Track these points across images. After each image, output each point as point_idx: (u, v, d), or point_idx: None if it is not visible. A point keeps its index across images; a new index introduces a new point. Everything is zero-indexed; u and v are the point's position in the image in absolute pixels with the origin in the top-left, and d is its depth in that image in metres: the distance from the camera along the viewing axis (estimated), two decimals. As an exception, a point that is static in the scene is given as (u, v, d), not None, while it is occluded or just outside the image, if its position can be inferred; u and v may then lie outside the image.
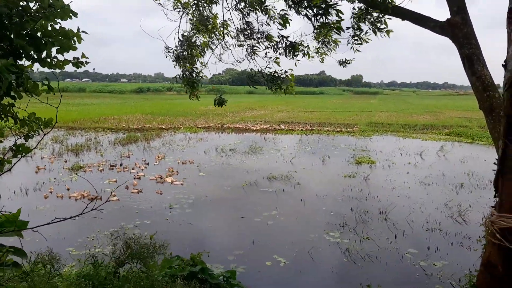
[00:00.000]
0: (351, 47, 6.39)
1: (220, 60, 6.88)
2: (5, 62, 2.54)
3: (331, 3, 5.44)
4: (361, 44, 6.14)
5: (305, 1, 5.46)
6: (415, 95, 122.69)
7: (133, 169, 14.18)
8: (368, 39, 6.17)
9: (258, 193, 11.44)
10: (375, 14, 5.85)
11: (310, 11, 5.58)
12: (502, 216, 3.02)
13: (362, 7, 5.92)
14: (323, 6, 5.43)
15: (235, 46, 6.79)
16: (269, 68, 6.40)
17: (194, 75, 7.01)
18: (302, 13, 5.63)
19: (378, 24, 5.90)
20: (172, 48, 6.97)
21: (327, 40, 6.08)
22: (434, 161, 16.44)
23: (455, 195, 11.40)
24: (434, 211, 9.98)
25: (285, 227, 8.80)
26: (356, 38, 6.26)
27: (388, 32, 5.89)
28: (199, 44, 7.12)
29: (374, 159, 16.51)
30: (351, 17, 6.20)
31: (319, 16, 5.62)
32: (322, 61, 6.61)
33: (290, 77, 6.24)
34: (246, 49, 6.70)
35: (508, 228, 2.98)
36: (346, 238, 8.13)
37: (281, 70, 6.40)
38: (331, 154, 17.74)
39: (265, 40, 6.50)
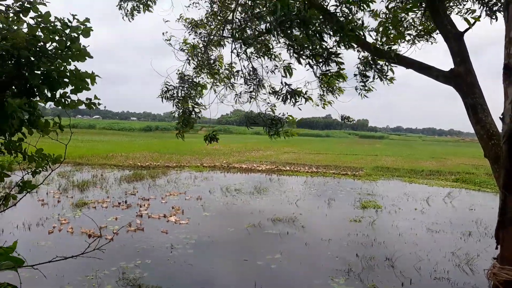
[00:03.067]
0: (359, 93, 6.51)
1: (222, 102, 7.02)
2: (19, 102, 2.62)
3: (332, 51, 5.60)
4: (368, 91, 6.25)
5: (307, 51, 5.63)
6: (421, 140, 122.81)
7: (140, 206, 14.09)
8: (373, 87, 6.29)
9: (262, 235, 11.25)
10: (380, 63, 6.00)
11: (313, 60, 5.74)
12: (504, 269, 2.93)
13: (368, 56, 6.08)
14: (324, 55, 5.59)
15: (231, 87, 6.94)
16: (269, 112, 6.51)
17: (193, 115, 7.12)
18: (304, 61, 5.79)
19: (384, 72, 6.03)
20: (170, 85, 7.12)
21: (331, 88, 6.22)
22: (441, 207, 16.18)
23: (463, 243, 11.11)
24: (441, 259, 9.70)
25: (288, 272, 8.57)
26: (362, 85, 6.39)
27: (391, 79, 6.01)
28: (200, 83, 7.29)
29: (380, 203, 16.30)
30: (358, 65, 6.36)
31: (321, 65, 5.77)
32: (324, 107, 6.72)
33: (290, 120, 6.33)
34: (245, 93, 6.86)
35: (510, 281, 2.89)
36: (351, 285, 7.88)
37: (281, 114, 6.52)
38: (337, 197, 17.56)
39: (266, 88, 6.67)
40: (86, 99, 3.16)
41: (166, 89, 7.12)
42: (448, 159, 40.37)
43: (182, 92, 7.06)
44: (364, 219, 13.56)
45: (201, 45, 7.20)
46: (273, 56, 6.35)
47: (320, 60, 5.80)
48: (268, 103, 6.52)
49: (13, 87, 2.94)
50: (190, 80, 7.12)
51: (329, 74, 5.94)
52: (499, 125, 4.15)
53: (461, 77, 4.27)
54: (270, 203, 15.74)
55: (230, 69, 7.22)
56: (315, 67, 5.96)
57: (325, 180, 23.17)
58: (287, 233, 11.51)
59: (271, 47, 6.16)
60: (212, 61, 7.07)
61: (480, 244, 11.08)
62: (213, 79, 7.39)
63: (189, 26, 7.49)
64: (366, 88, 6.23)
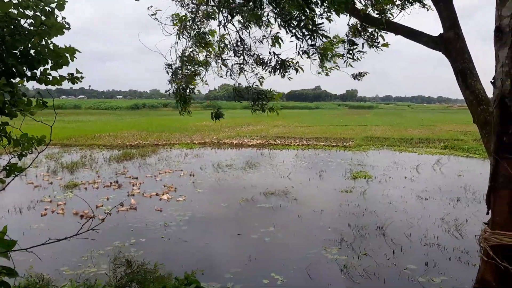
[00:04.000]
0: (345, 61, 6.44)
1: (221, 76, 6.89)
2: None
3: (316, 23, 5.50)
4: (354, 60, 6.18)
5: (294, 21, 5.52)
6: (410, 109, 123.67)
7: (133, 185, 14.08)
8: (361, 56, 6.21)
9: (255, 209, 11.37)
10: (370, 29, 5.92)
11: (300, 32, 5.63)
12: (495, 233, 3.00)
13: (357, 23, 5.99)
14: (310, 27, 5.49)
15: (223, 64, 6.82)
16: (256, 85, 6.42)
17: (188, 91, 7.01)
18: (291, 32, 5.67)
19: (374, 39, 5.95)
20: (172, 64, 6.99)
21: (328, 54, 6.12)
22: (430, 175, 16.47)
23: (452, 209, 11.38)
24: (431, 225, 9.94)
25: (282, 244, 8.72)
26: (350, 53, 6.31)
27: (384, 45, 5.94)
28: (200, 60, 7.14)
29: (370, 173, 16.52)
30: (347, 34, 6.25)
31: (307, 38, 5.67)
32: (327, 74, 6.62)
33: (275, 96, 6.26)
34: (235, 66, 6.74)
35: (501, 245, 2.96)
36: (344, 255, 8.07)
37: (270, 88, 6.43)
38: (328, 169, 17.74)
39: (254, 58, 6.54)
40: (67, 74, 3.07)
41: (169, 70, 6.96)
42: (437, 127, 40.84)
43: (185, 69, 6.92)
44: (355, 189, 13.76)
45: (189, 18, 7.01)
46: (264, 24, 6.20)
47: (307, 33, 5.70)
48: (257, 74, 6.42)
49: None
50: (190, 57, 6.97)
51: (314, 48, 5.85)
52: (488, 91, 4.18)
53: (451, 43, 4.24)
54: (262, 177, 15.85)
55: (220, 42, 7.06)
56: (301, 39, 5.86)
57: (316, 152, 23.33)
58: (280, 206, 11.66)
59: (261, 15, 6.00)
60: (203, 33, 6.89)
61: (469, 210, 11.36)
62: (206, 52, 7.23)
63: None
64: (354, 57, 6.15)
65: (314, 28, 5.61)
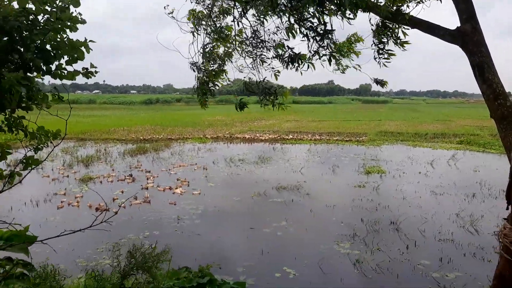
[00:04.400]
0: (378, 62, 6.26)
1: (241, 71, 6.88)
2: (15, 75, 2.57)
3: (328, 30, 5.43)
4: (388, 58, 5.99)
5: (307, 22, 5.46)
6: (425, 103, 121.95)
7: (147, 179, 14.24)
8: (392, 56, 6.04)
9: (267, 204, 11.39)
10: (391, 26, 5.79)
11: (311, 32, 5.58)
12: None
13: (378, 20, 5.87)
14: (321, 31, 5.43)
15: (244, 57, 6.80)
16: (267, 81, 6.39)
17: (211, 85, 7.05)
18: (303, 29, 5.61)
19: (396, 35, 5.81)
20: (197, 63, 7.02)
21: (344, 52, 6.04)
22: (445, 170, 16.25)
23: (467, 205, 11.23)
24: (446, 221, 9.83)
25: (294, 238, 8.73)
26: (381, 52, 6.13)
27: (405, 42, 5.79)
28: (221, 53, 7.15)
29: (384, 168, 16.38)
30: (373, 35, 6.10)
31: (319, 39, 5.62)
32: (343, 71, 6.54)
33: (285, 93, 6.22)
34: (256, 58, 6.71)
35: (521, 241, 2.91)
36: (356, 249, 8.03)
37: (278, 85, 6.39)
38: (341, 163, 17.64)
39: (273, 48, 6.50)
40: (82, 69, 3.10)
41: (194, 68, 7.00)
42: (453, 121, 40.21)
43: (211, 67, 6.96)
44: (368, 184, 13.67)
45: (205, 15, 7.01)
46: (280, 12, 6.13)
47: (314, 35, 5.64)
48: (273, 68, 6.39)
49: (9, 63, 2.89)
50: (213, 54, 6.99)
51: (321, 53, 5.78)
52: (506, 85, 4.09)
53: (468, 36, 4.15)
54: (274, 172, 15.85)
55: (238, 36, 7.04)
56: (311, 39, 5.80)
57: (329, 147, 23.21)
58: (292, 200, 11.65)
59: (276, 4, 5.93)
60: (221, 28, 6.89)
61: (484, 205, 11.19)
62: (225, 47, 7.23)
63: None
64: (386, 56, 5.97)
65: (323, 33, 5.55)
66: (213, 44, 7.01)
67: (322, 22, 5.44)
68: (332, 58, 5.89)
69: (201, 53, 6.94)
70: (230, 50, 7.13)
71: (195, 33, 6.88)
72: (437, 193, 12.52)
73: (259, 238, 8.77)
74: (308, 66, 6.10)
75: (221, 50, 7.19)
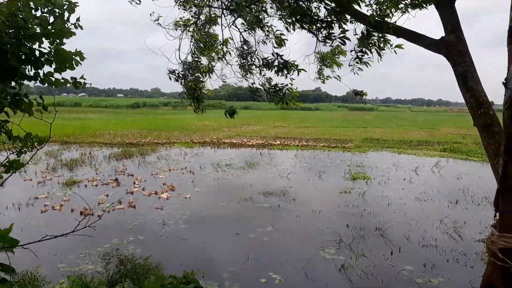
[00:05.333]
0: (352, 69, 6.38)
1: (224, 82, 6.93)
2: (0, 87, 2.53)
3: (335, 19, 5.52)
4: (364, 65, 6.12)
5: (308, 17, 5.52)
6: (410, 111, 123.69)
7: (134, 183, 14.07)
8: (369, 62, 6.16)
9: (254, 209, 11.36)
10: (375, 35, 5.89)
11: (314, 25, 5.64)
12: (502, 236, 2.98)
13: (363, 30, 5.96)
14: (326, 20, 5.50)
15: (236, 65, 6.85)
16: (268, 82, 6.45)
17: (197, 91, 7.08)
18: (305, 27, 5.68)
19: (379, 45, 5.90)
20: (175, 70, 7.03)
21: (329, 62, 6.12)
22: (429, 177, 16.46)
23: (450, 211, 11.37)
24: (430, 227, 9.94)
25: (280, 244, 8.71)
26: (357, 61, 6.25)
27: (398, 46, 5.86)
28: (203, 65, 7.19)
29: (369, 175, 16.51)
30: (356, 44, 6.20)
31: (323, 29, 5.68)
32: (323, 82, 6.63)
33: (292, 91, 6.28)
34: (244, 66, 6.76)
35: (509, 249, 2.94)
36: (341, 255, 8.06)
37: (282, 84, 6.45)
38: (327, 169, 17.73)
39: (260, 60, 6.57)
40: (71, 78, 3.06)
41: (171, 75, 7.02)
42: (437, 129, 40.83)
43: (191, 76, 6.98)
44: (354, 190, 13.75)
45: (191, 22, 7.03)
46: (265, 27, 6.21)
47: (322, 25, 5.71)
48: (264, 75, 6.45)
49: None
50: (194, 63, 7.02)
51: (331, 37, 5.85)
52: (489, 94, 4.16)
53: (452, 46, 4.23)
54: (261, 177, 15.83)
55: (225, 44, 7.09)
56: (316, 32, 5.87)
57: (315, 153, 23.32)
58: (279, 206, 11.64)
59: (262, 18, 6.01)
60: (208, 36, 6.93)
61: (467, 212, 11.35)
62: (210, 56, 7.28)
63: (177, 1, 7.30)
64: (362, 62, 6.09)
65: (332, 20, 5.62)
66: (198, 54, 7.05)
67: (329, 12, 5.53)
68: (344, 39, 5.91)
69: (184, 61, 6.97)
70: (215, 60, 7.17)
71: (180, 41, 6.90)
72: (421, 200, 12.66)
73: (245, 243, 8.73)
74: (298, 73, 6.16)
75: (204, 61, 7.24)
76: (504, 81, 2.93)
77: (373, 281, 6.94)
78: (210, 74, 7.24)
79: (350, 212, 11.09)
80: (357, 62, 6.09)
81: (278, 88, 6.33)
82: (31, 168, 16.59)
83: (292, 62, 6.24)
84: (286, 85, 6.41)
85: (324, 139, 30.02)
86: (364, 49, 5.87)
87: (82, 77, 3.14)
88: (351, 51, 6.10)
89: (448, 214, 11.10)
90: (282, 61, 6.29)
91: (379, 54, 5.82)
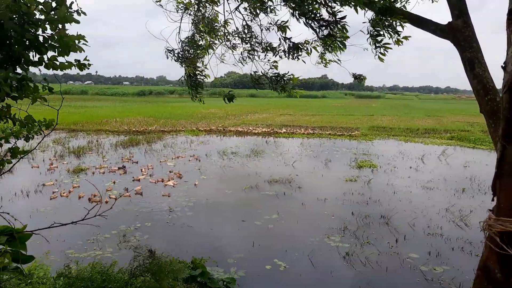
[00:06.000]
0: (375, 55, 6.23)
1: (222, 61, 6.87)
2: (4, 75, 2.54)
3: (338, 18, 5.44)
4: (386, 50, 5.96)
5: (310, 13, 5.46)
6: (417, 99, 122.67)
7: (141, 170, 14.18)
8: (388, 49, 6.01)
9: (259, 197, 11.42)
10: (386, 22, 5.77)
11: (315, 22, 5.57)
12: (499, 220, 2.98)
13: (372, 15, 5.85)
14: (328, 19, 5.42)
15: (233, 48, 6.79)
16: (272, 69, 6.41)
17: (197, 76, 7.01)
18: (305, 22, 5.62)
19: (393, 29, 5.76)
20: (173, 49, 6.98)
21: (332, 45, 6.03)
22: (435, 165, 16.39)
23: (457, 200, 11.35)
24: (435, 215, 9.94)
25: (285, 231, 8.77)
26: (378, 46, 6.09)
27: (405, 38, 5.75)
28: (202, 44, 7.13)
29: (375, 163, 16.48)
30: (368, 27, 6.06)
31: (324, 28, 5.61)
32: (326, 66, 6.57)
33: (294, 79, 6.23)
34: (244, 52, 6.71)
35: (506, 232, 2.94)
36: (346, 243, 8.10)
37: (285, 73, 6.39)
38: (333, 158, 17.72)
39: (264, 45, 6.51)
40: (74, 61, 3.08)
41: (168, 54, 6.98)
42: (444, 117, 40.51)
43: (189, 55, 6.92)
44: (360, 178, 13.75)
45: (193, 3, 6.97)
46: (268, 10, 6.14)
47: (323, 24, 5.64)
48: (269, 60, 6.40)
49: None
50: (191, 41, 6.95)
51: (332, 37, 5.77)
52: (496, 80, 4.12)
53: (459, 31, 4.17)
54: (266, 165, 15.87)
55: (225, 26, 7.03)
56: (317, 29, 5.80)
57: (321, 141, 23.28)
58: (284, 193, 11.69)
59: (266, 1, 5.94)
60: (208, 18, 6.86)
61: (474, 200, 11.33)
62: (211, 38, 7.21)
63: None
64: (382, 48, 5.94)
65: (334, 19, 5.54)
66: (196, 33, 6.98)
67: (332, 12, 5.45)
68: (342, 44, 5.86)
69: (185, 41, 6.91)
70: (216, 42, 7.11)
71: (180, 24, 6.85)
72: (427, 188, 12.64)
73: (251, 230, 8.81)
74: (311, 51, 6.10)
75: (204, 40, 7.17)
76: (503, 65, 2.89)
77: (377, 269, 6.99)
78: (208, 51, 7.16)
79: (356, 200, 11.11)
80: (377, 48, 5.96)
81: (279, 77, 6.28)
82: (39, 155, 16.76)
83: (304, 42, 6.16)
84: (288, 73, 6.34)
85: (330, 127, 29.93)
86: (379, 31, 5.75)
87: (85, 59, 3.16)
88: (368, 36, 5.97)
89: (454, 202, 11.08)
90: (291, 44, 6.24)
91: (391, 37, 5.69)
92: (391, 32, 5.69)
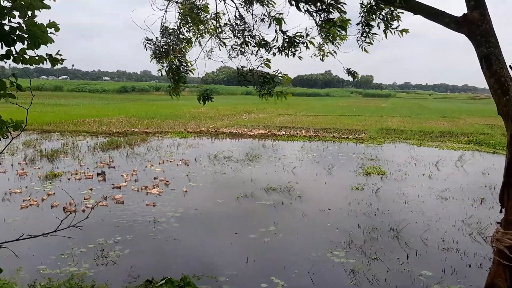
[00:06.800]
0: (360, 45, 6.41)
1: (210, 58, 6.92)
2: None
3: (334, 0, 5.51)
4: (369, 44, 6.14)
5: None
6: (431, 98, 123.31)
7: (125, 177, 14.16)
8: (375, 39, 6.17)
9: (255, 206, 11.44)
10: (385, 9, 5.88)
11: (312, 6, 5.63)
12: (507, 233, 3.02)
13: (371, 1, 5.96)
14: (326, 1, 5.49)
15: (223, 43, 6.83)
16: (262, 67, 6.43)
17: (181, 69, 7.03)
18: (303, 9, 5.68)
19: (390, 20, 5.91)
20: (153, 40, 7.00)
21: (331, 36, 6.09)
22: (451, 172, 16.49)
23: (474, 211, 11.43)
24: (451, 228, 10.00)
25: (283, 245, 8.79)
26: (365, 36, 6.26)
27: (403, 31, 5.88)
28: (188, 36, 7.16)
29: (385, 169, 16.55)
30: (360, 13, 6.22)
31: (321, 12, 5.68)
32: (322, 59, 6.64)
33: (284, 79, 6.23)
34: (235, 46, 6.75)
35: (514, 246, 2.98)
36: (352, 258, 8.13)
37: (275, 71, 6.39)
38: (337, 163, 17.78)
39: (258, 39, 6.55)
40: (46, 55, 3.09)
41: (147, 45, 6.99)
42: (461, 119, 40.75)
43: (166, 47, 6.94)
44: (367, 186, 13.81)
45: None
46: (265, 1, 6.19)
47: (320, 7, 5.70)
48: (261, 57, 6.43)
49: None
50: (173, 32, 6.98)
51: (331, 22, 5.84)
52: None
53: (475, 24, 4.22)
54: (263, 171, 15.91)
55: (216, 19, 7.07)
56: (314, 14, 5.87)
57: (325, 144, 23.36)
58: (282, 203, 11.72)
59: None
60: (196, 9, 6.90)
61: (494, 211, 11.39)
62: (198, 30, 7.24)
63: None
64: (368, 40, 6.10)
65: (331, 2, 5.61)
66: (180, 23, 7.01)
67: None
68: (342, 28, 5.93)
69: (163, 29, 6.93)
70: (202, 35, 7.14)
71: (165, 13, 6.89)
72: (442, 198, 12.71)
73: (245, 244, 8.82)
74: (307, 46, 6.15)
75: (189, 33, 7.20)
76: (511, 65, 2.94)
77: None
78: (194, 44, 7.19)
79: (362, 211, 11.16)
80: (364, 37, 6.08)
81: (268, 78, 6.28)
82: (7, 159, 16.71)
83: (299, 35, 6.20)
84: (280, 72, 6.34)
85: (334, 129, 30.03)
86: (370, 22, 5.87)
87: (58, 53, 3.17)
88: (357, 24, 6.10)
89: (472, 214, 11.15)
90: (287, 37, 6.28)
91: (387, 28, 5.80)
92: (385, 23, 5.76)
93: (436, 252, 8.57)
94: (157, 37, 7.03)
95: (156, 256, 8.13)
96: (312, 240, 9.14)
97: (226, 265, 7.74)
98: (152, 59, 7.01)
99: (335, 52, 6.30)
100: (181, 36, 7.13)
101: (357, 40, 6.36)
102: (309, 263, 7.84)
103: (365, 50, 6.23)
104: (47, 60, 3.14)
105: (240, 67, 6.53)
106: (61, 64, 3.21)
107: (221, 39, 7.12)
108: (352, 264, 7.85)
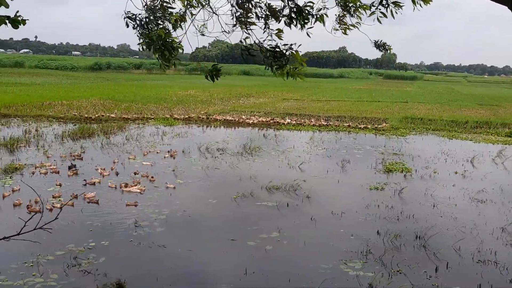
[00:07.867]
0: (372, 13, 6.37)
1: (203, 34, 6.90)
2: None
3: None
4: (384, 15, 6.10)
5: None
6: (466, 82, 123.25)
7: (100, 171, 14.18)
8: (399, 11, 6.13)
9: (254, 208, 11.48)
10: None
11: None
12: None
13: None
14: None
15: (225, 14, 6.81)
16: (270, 40, 6.40)
17: (168, 41, 7.00)
18: None
19: None
20: (136, 16, 6.98)
21: (351, 3, 6.06)
22: (489, 170, 16.52)
23: (516, 217, 11.48)
24: (488, 236, 10.05)
25: (288, 255, 8.84)
26: (383, 4, 6.22)
27: (425, 1, 5.84)
28: (174, 12, 7.14)
29: (409, 166, 16.59)
30: None
31: None
32: (345, 32, 6.61)
33: (296, 55, 6.21)
34: (238, 19, 6.72)
35: None
36: (370, 271, 8.18)
37: (285, 44, 6.35)
38: (353, 158, 17.81)
39: (265, 7, 6.53)
40: (5, 17, 3.05)
41: (129, 21, 6.97)
42: (501, 107, 40.77)
43: (152, 23, 6.92)
44: (388, 186, 13.85)
45: None
46: None
47: None
48: (269, 28, 6.40)
49: None
50: (162, 8, 6.96)
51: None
52: None
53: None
54: (264, 166, 15.94)
55: None
56: None
57: (338, 136, 23.38)
58: (287, 205, 11.76)
59: None
60: None
61: (538, 217, 11.44)
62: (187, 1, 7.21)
63: None
64: (388, 10, 6.04)
65: None
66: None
67: None
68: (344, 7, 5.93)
69: (149, 5, 6.92)
70: (194, 6, 7.11)
71: None
72: (478, 200, 12.75)
73: (243, 253, 8.86)
74: (316, 19, 6.13)
75: (178, 6, 7.18)
76: None
77: (410, 306, 7.07)
78: (182, 25, 7.18)
79: (383, 215, 11.20)
80: (383, 5, 6.06)
81: (279, 52, 6.25)
82: (-41, 148, 16.70)
83: (310, 4, 6.17)
84: (291, 47, 6.30)
85: (349, 117, 30.03)
86: None
87: (16, 15, 3.15)
88: None
89: (512, 220, 11.20)
90: (295, 6, 6.25)
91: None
92: None
93: (470, 265, 8.62)
94: (137, 14, 7.00)
95: (136, 265, 8.16)
96: (323, 249, 9.18)
97: (219, 278, 7.79)
98: (141, 45, 6.98)
99: (358, 24, 6.28)
100: (167, 9, 7.11)
101: (370, 7, 6.30)
102: (319, 277, 7.88)
103: (378, 21, 6.19)
104: (7, 22, 3.11)
105: (243, 39, 6.50)
106: (24, 24, 3.18)
107: (214, 10, 7.09)
108: (370, 278, 7.89)
